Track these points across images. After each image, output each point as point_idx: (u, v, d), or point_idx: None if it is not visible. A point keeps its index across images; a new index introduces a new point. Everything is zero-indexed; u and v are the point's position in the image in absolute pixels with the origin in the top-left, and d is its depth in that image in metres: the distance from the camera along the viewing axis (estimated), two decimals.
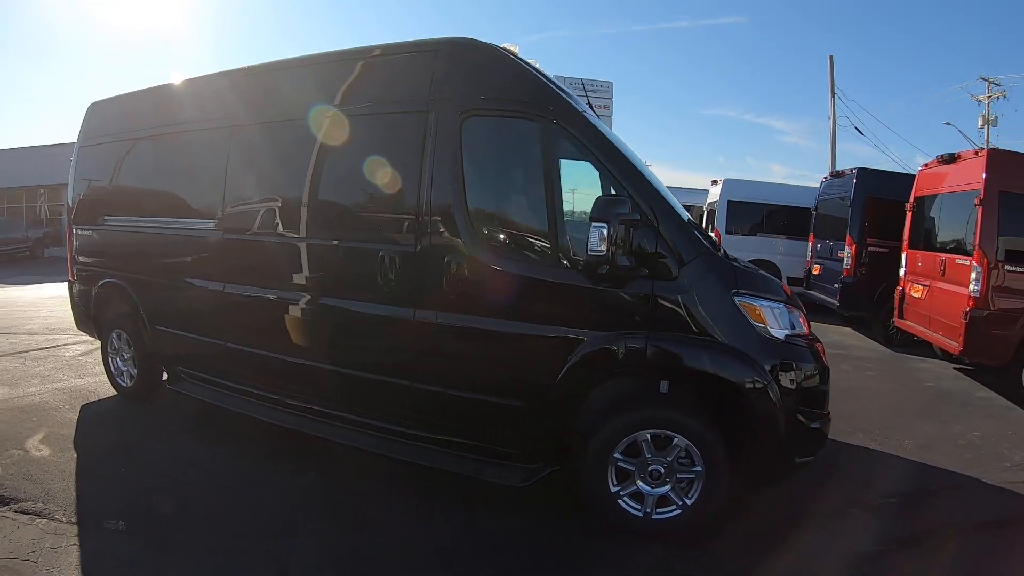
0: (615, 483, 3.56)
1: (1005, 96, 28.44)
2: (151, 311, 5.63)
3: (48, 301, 13.56)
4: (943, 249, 8.22)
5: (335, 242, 4.33)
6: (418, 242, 3.84)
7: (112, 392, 6.27)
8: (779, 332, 3.47)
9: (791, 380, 3.43)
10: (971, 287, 7.09)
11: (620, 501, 3.57)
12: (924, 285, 8.52)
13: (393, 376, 4.03)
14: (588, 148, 3.60)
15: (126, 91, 6.14)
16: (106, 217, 6.02)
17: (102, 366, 6.49)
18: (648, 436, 3.48)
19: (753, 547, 3.59)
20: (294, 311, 4.48)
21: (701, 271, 3.41)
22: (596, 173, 3.73)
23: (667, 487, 3.53)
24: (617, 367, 3.50)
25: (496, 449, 3.81)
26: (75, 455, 4.75)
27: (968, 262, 7.22)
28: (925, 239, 8.89)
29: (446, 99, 3.81)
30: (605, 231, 3.25)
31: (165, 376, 5.86)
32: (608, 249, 3.28)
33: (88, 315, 6.34)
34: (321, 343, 4.39)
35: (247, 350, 4.85)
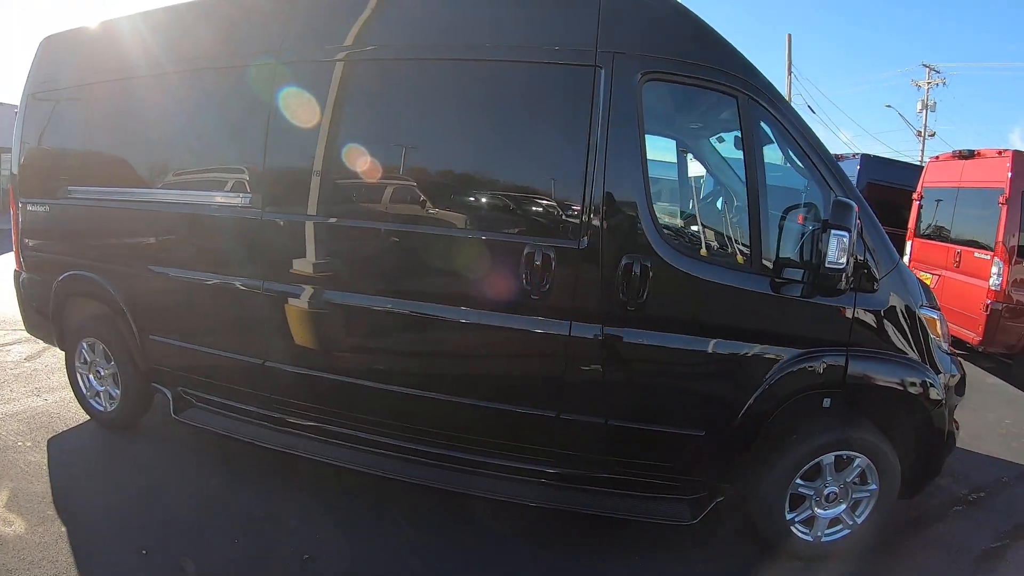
0: (789, 509, 3.31)
1: (944, 83, 30.48)
2: (142, 316, 4.22)
3: None
4: (958, 241, 8.39)
5: (456, 232, 3.31)
6: (583, 237, 3.08)
7: (81, 416, 4.82)
8: (945, 343, 3.44)
9: (956, 391, 3.42)
10: (992, 280, 7.36)
11: (793, 527, 3.34)
12: (935, 275, 8.65)
13: (534, 406, 3.31)
14: (791, 135, 3.12)
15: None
16: (72, 188, 4.47)
17: (58, 377, 5.19)
18: (832, 458, 3.24)
19: (892, 546, 3.62)
20: (386, 322, 3.49)
21: (897, 283, 3.20)
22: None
23: (840, 508, 3.35)
24: (813, 387, 3.15)
25: (652, 483, 3.34)
26: (63, 528, 3.41)
27: (988, 256, 7.50)
28: (936, 230, 9.15)
29: (620, 53, 3.06)
30: (846, 239, 2.82)
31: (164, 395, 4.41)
32: (848, 260, 2.85)
33: (44, 317, 4.79)
34: (429, 364, 3.51)
35: (307, 373, 3.68)
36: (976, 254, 7.82)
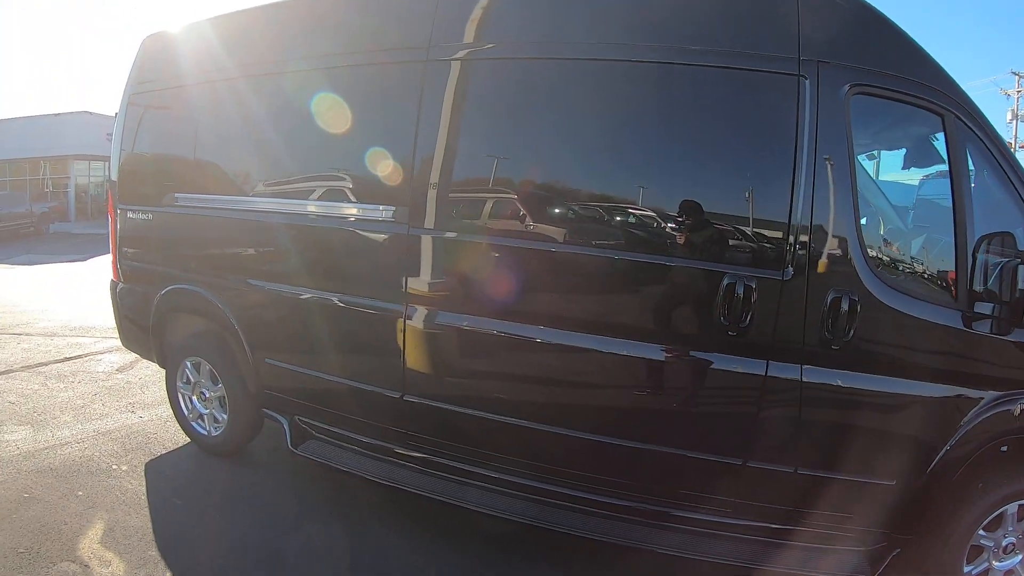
0: (967, 562, 3.00)
1: None
2: (257, 337, 3.87)
3: (60, 287, 11.78)
4: None
5: (644, 258, 2.95)
6: (788, 267, 2.74)
7: (179, 436, 4.52)
8: None
9: None
10: None
11: None
12: None
13: (720, 452, 2.97)
14: (996, 157, 2.82)
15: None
16: (178, 195, 4.15)
17: (153, 391, 5.03)
18: (1016, 507, 2.95)
19: None
20: (559, 359, 3.11)
21: None
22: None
23: (1017, 560, 3.03)
24: (1009, 432, 2.87)
25: (829, 534, 3.01)
26: (167, 573, 3.03)
27: None
28: None
29: (825, 63, 2.75)
30: None
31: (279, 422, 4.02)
32: None
33: (144, 331, 4.49)
34: (611, 407, 3.13)
35: (457, 410, 3.29)
36: None
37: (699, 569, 2.99)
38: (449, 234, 3.20)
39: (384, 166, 3.29)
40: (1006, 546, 3.04)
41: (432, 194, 3.20)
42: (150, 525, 3.45)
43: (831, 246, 2.76)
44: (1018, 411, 2.84)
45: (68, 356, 6.75)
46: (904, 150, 3.68)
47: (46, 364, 6.40)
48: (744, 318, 2.76)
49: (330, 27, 3.63)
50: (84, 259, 16.40)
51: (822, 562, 2.96)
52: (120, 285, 4.71)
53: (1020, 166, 2.89)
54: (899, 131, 3.42)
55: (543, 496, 3.17)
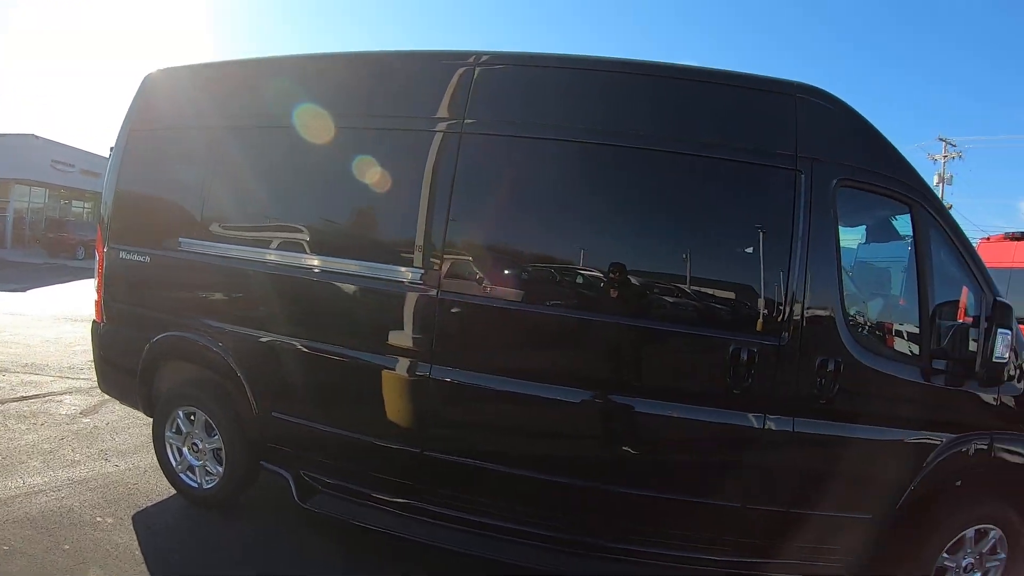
0: None
1: (961, 156, 30.89)
2: (265, 391, 3.82)
3: (6, 318, 11.15)
4: None
5: (661, 326, 3.36)
6: (784, 334, 3.20)
7: (163, 487, 4.33)
8: None
9: None
10: None
11: None
12: None
13: (722, 497, 3.32)
14: (954, 242, 3.41)
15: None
16: (184, 240, 4.07)
17: (124, 437, 5.05)
18: (973, 532, 3.46)
19: None
20: (579, 415, 3.40)
21: None
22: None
23: None
24: (965, 468, 3.42)
25: (815, 564, 3.42)
26: None
27: None
28: None
29: (817, 160, 3.26)
30: (1010, 337, 3.22)
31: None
32: (1010, 356, 3.26)
33: (129, 377, 4.32)
34: (622, 458, 3.42)
35: (480, 465, 3.45)
36: None
37: None
38: (479, 300, 3.40)
39: (412, 230, 3.47)
40: (966, 566, 3.50)
41: (463, 259, 3.45)
42: None
43: (820, 317, 3.23)
44: (970, 451, 3.39)
45: (25, 395, 6.39)
46: (864, 225, 4.16)
47: (3, 403, 6.05)
48: (747, 379, 3.15)
49: (366, 88, 3.77)
50: (23, 290, 15.59)
51: None
52: (104, 327, 4.54)
53: (973, 248, 3.52)
54: (870, 215, 3.90)
55: (560, 545, 3.42)
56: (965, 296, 3.31)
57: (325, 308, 3.68)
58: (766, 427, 3.23)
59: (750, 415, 3.24)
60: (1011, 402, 3.46)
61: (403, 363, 3.49)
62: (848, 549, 3.40)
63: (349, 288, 3.64)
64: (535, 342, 3.42)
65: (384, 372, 3.52)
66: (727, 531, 3.38)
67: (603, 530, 3.45)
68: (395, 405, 3.51)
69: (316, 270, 3.69)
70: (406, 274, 3.46)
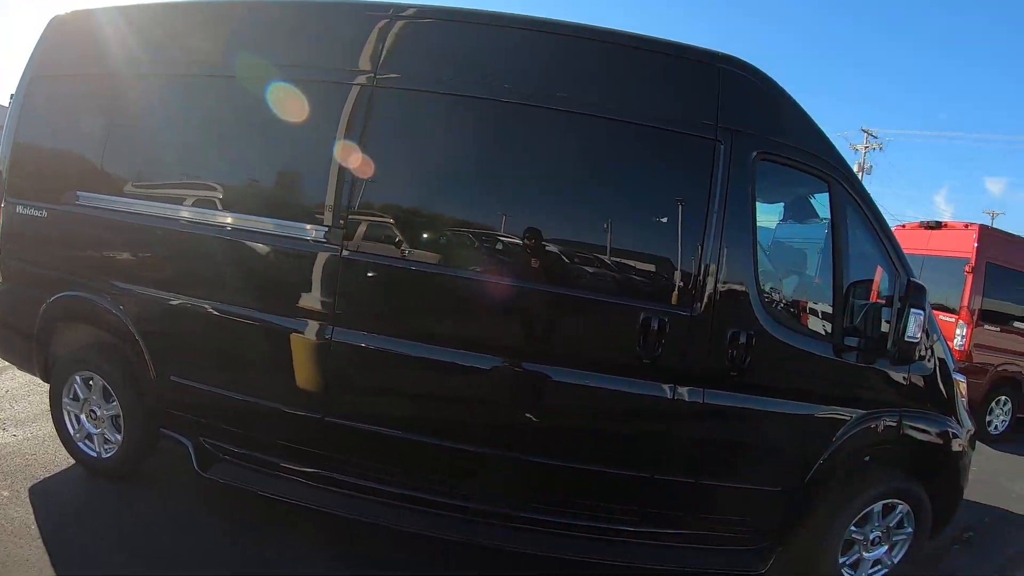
0: (841, 553, 3.55)
1: (881, 148, 31.87)
2: (164, 354, 3.61)
3: None
4: None
5: (569, 292, 3.27)
6: (696, 304, 3.17)
7: (62, 457, 4.09)
8: (965, 400, 3.84)
9: (971, 444, 3.81)
10: (956, 341, 8.24)
11: (844, 571, 3.59)
12: None
13: (631, 467, 3.31)
14: (870, 219, 3.43)
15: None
16: (82, 194, 3.79)
17: (24, 405, 4.75)
18: (881, 506, 3.55)
19: None
20: (488, 381, 3.28)
21: (941, 350, 3.62)
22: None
23: (882, 550, 3.65)
24: (873, 444, 3.51)
25: (721, 536, 3.47)
26: None
27: (953, 319, 8.38)
28: None
29: (738, 132, 3.22)
30: (922, 318, 3.27)
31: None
32: (922, 337, 3.31)
33: (26, 340, 4.04)
34: (529, 426, 3.32)
35: (383, 431, 3.33)
36: (941, 317, 8.16)
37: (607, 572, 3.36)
38: (387, 260, 3.26)
39: (319, 185, 3.29)
40: (873, 539, 3.63)
41: (370, 220, 3.27)
42: (47, 558, 3.11)
43: (733, 289, 3.20)
44: (880, 428, 3.46)
45: None
46: (782, 203, 4.20)
47: None
48: (656, 348, 3.11)
49: (280, 37, 3.55)
50: None
51: (716, 560, 3.39)
52: (1, 286, 4.23)
53: (889, 228, 3.52)
54: (788, 191, 3.94)
55: (456, 512, 3.34)
56: (879, 276, 3.36)
57: (222, 266, 3.46)
58: (677, 398, 3.20)
59: (662, 385, 3.20)
60: (920, 381, 3.55)
61: (304, 325, 3.34)
62: (757, 521, 3.46)
63: (254, 247, 3.44)
64: (443, 307, 3.31)
65: (285, 334, 3.35)
66: (636, 501, 3.38)
67: (514, 499, 3.39)
68: (296, 369, 3.34)
69: (219, 227, 3.47)
70: (311, 232, 3.29)
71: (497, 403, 3.33)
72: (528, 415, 3.31)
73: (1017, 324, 8.92)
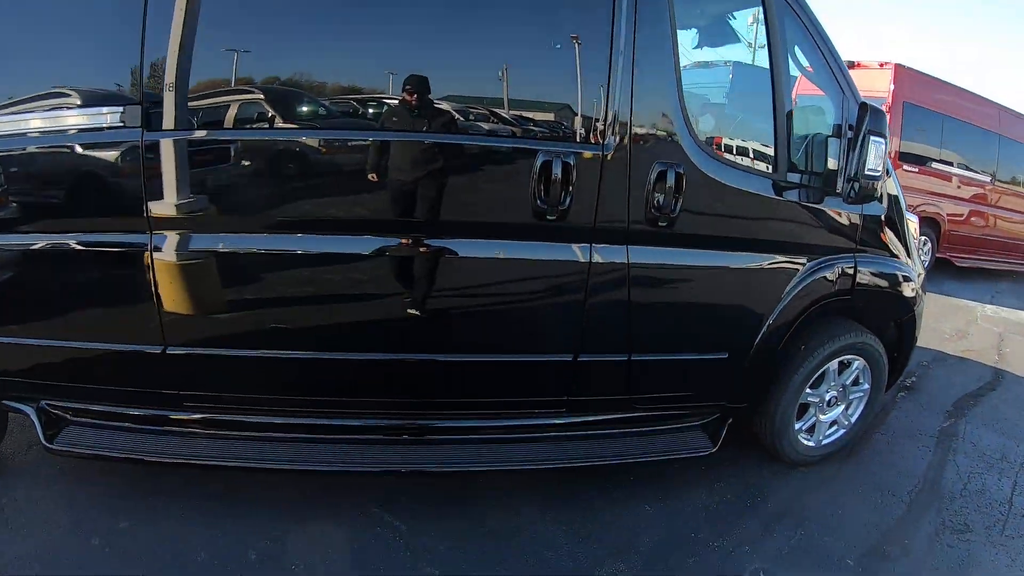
0: (796, 418, 3.37)
1: None
2: None
3: None
4: None
5: (445, 139, 2.53)
6: (611, 140, 2.56)
7: None
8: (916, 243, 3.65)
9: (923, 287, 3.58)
10: None
11: (800, 436, 3.43)
12: None
13: (548, 351, 2.86)
14: (812, 36, 2.91)
15: None
16: None
17: None
18: (836, 364, 3.35)
19: (868, 439, 3.92)
20: (358, 268, 2.63)
21: (894, 186, 3.32)
22: None
23: (839, 411, 3.52)
24: (827, 295, 3.14)
25: (665, 416, 3.14)
26: None
27: None
28: None
29: None
30: (883, 146, 2.89)
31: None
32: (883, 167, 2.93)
33: None
34: (414, 319, 2.67)
35: (239, 354, 2.67)
36: None
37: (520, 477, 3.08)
38: (209, 134, 2.46)
39: (102, 55, 2.43)
40: (829, 400, 3.47)
41: (174, 88, 2.37)
42: None
43: (653, 119, 2.65)
44: (834, 276, 3.10)
45: None
46: (695, 30, 3.56)
47: None
48: (564, 200, 2.53)
49: None
50: None
51: (660, 444, 3.06)
52: None
53: (834, 47, 2.98)
54: (729, 8, 3.41)
55: (345, 434, 2.85)
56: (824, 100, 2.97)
57: (10, 184, 2.56)
58: (594, 260, 2.68)
59: (574, 247, 2.66)
60: (874, 224, 3.21)
61: (114, 237, 2.55)
62: (703, 395, 3.16)
63: (25, 153, 2.54)
64: (291, 180, 2.57)
65: (100, 252, 2.57)
66: (561, 390, 2.96)
67: (421, 410, 2.98)
68: (116, 295, 2.66)
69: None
70: (107, 116, 2.40)
71: (383, 295, 2.73)
72: (419, 304, 2.70)
73: (935, 165, 8.87)
